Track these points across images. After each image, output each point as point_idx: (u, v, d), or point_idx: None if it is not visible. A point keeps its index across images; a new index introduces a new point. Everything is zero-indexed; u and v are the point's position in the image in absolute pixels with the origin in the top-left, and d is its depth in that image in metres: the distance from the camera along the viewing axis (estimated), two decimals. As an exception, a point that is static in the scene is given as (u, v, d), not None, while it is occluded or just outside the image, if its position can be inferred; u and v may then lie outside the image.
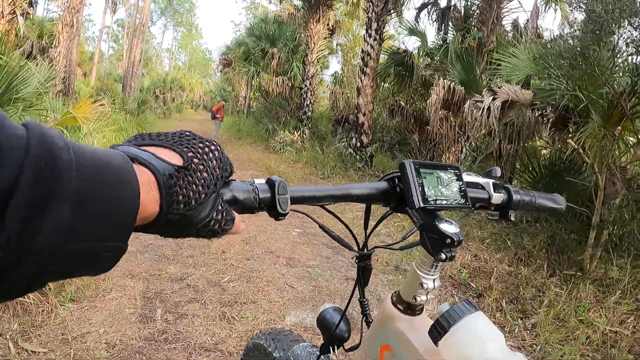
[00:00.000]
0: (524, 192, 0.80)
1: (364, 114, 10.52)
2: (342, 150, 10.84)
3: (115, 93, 13.09)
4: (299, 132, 13.61)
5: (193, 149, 0.44)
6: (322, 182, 8.61)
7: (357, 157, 10.22)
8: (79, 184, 0.31)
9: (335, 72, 16.81)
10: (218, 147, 0.48)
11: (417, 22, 11.71)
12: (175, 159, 0.42)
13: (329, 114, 13.86)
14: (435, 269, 0.69)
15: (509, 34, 10.73)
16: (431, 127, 8.61)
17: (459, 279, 4.46)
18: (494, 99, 6.10)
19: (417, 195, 0.63)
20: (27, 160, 0.29)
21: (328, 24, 15.16)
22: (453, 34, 11.61)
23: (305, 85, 14.77)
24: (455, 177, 0.70)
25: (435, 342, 0.62)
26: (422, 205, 0.63)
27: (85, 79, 29.66)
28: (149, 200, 0.38)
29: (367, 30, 10.65)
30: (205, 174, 0.44)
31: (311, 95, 14.91)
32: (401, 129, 13.57)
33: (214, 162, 0.46)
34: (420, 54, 11.59)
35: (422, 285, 0.68)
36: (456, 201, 0.68)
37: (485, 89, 6.51)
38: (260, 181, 0.54)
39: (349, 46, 18.79)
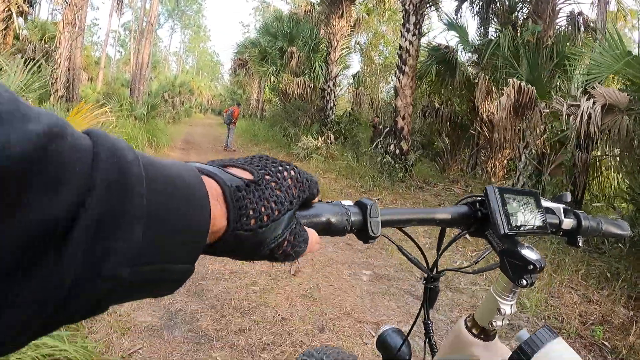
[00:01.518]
0: (592, 218, 0.80)
1: (403, 118, 9.34)
2: (377, 158, 9.68)
3: (122, 97, 11.93)
4: (323, 137, 12.46)
5: (265, 168, 0.42)
6: (366, 196, 7.42)
7: (397, 166, 9.03)
8: (150, 202, 0.28)
9: (357, 72, 15.64)
10: (295, 168, 0.45)
11: (458, 15, 10.53)
12: (246, 175, 0.39)
13: (365, 119, 12.61)
14: (514, 294, 0.68)
15: (565, 28, 9.49)
16: (497, 132, 7.40)
17: (587, 337, 3.34)
18: (594, 103, 4.92)
19: (502, 222, 0.64)
20: (95, 176, 0.25)
21: (349, 20, 14.04)
22: (497, 29, 10.49)
23: (328, 87, 13.63)
24: (535, 203, 0.71)
25: None
26: (506, 231, 0.64)
27: (92, 83, 28.85)
28: (217, 213, 0.34)
29: (404, 25, 9.49)
30: (278, 192, 0.40)
31: (334, 97, 13.77)
32: (427, 132, 12.40)
33: (289, 181, 0.43)
34: (459, 50, 10.43)
35: (499, 311, 0.67)
36: (537, 226, 0.69)
37: (579, 91, 5.34)
38: (347, 203, 0.52)
39: (373, 43, 17.60)
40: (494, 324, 0.68)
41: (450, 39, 53.33)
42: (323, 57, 14.51)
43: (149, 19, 13.67)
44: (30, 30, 19.40)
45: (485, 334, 0.71)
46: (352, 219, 0.50)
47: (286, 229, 0.40)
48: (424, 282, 0.76)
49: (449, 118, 11.03)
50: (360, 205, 0.53)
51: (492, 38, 9.70)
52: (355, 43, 19.40)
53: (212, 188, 0.35)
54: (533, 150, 8.02)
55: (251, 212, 0.37)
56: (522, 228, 0.65)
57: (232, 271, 3.57)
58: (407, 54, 9.27)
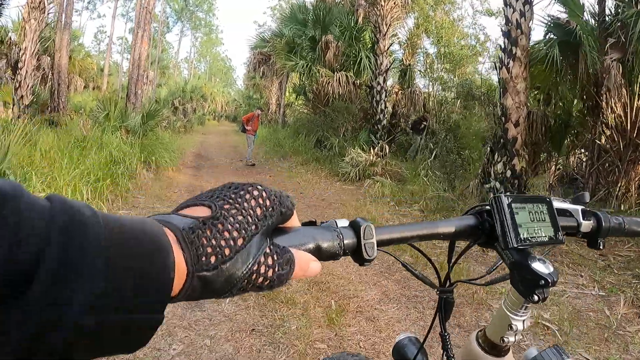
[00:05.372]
0: (613, 218, 0.73)
1: (516, 124, 6.27)
2: (471, 182, 6.62)
3: (114, 104, 9.04)
4: (375, 149, 9.43)
5: (225, 197, 0.39)
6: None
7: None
8: (111, 252, 0.29)
9: (408, 65, 12.59)
10: (258, 186, 0.42)
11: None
12: (203, 212, 0.38)
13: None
14: (525, 309, 0.64)
15: None
16: None
17: None
18: None
19: (511, 234, 0.60)
20: (52, 229, 0.27)
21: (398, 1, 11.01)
22: (619, 2, 7.45)
23: (378, 83, 10.59)
24: (546, 210, 0.65)
25: None
26: (515, 245, 0.59)
27: (97, 92, 26.32)
28: (177, 260, 0.34)
29: (508, -12, 6.44)
30: (240, 217, 0.38)
31: (385, 96, 10.73)
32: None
33: (252, 202, 0.40)
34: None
35: (511, 327, 0.64)
36: (548, 236, 0.63)
37: None
38: (343, 223, 0.50)
39: (428, 29, 14.49)
40: (505, 340, 0.65)
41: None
42: (369, 47, 11.50)
43: (146, 4, 10.80)
44: (16, 32, 16.91)
45: (497, 350, 0.67)
46: (345, 241, 0.48)
47: (258, 254, 0.38)
48: (437, 292, 0.71)
49: (545, 124, 7.97)
50: (354, 226, 0.49)
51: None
52: (392, 36, 16.34)
53: (169, 235, 0.34)
54: None
55: (209, 250, 0.35)
56: (531, 240, 0.61)
57: None
58: (519, 31, 6.21)
